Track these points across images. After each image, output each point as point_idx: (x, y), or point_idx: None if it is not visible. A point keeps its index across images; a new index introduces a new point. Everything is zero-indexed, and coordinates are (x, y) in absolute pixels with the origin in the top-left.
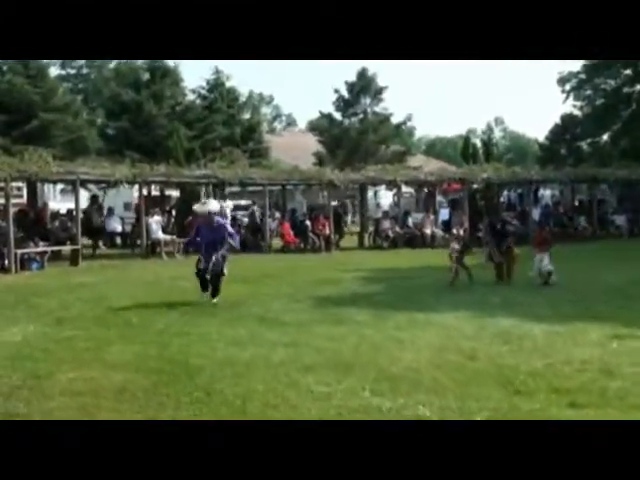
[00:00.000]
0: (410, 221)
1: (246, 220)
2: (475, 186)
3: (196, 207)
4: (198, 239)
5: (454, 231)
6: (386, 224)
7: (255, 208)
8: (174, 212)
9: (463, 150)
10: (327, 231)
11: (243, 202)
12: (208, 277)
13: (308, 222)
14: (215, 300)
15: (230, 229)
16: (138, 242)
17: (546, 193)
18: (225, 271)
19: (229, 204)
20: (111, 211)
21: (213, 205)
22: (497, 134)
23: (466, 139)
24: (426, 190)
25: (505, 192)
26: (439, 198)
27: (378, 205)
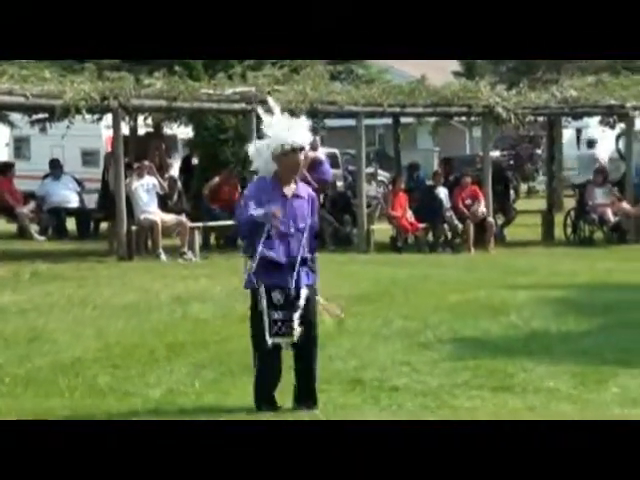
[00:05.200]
0: None
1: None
2: None
3: (276, 129)
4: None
5: None
6: (601, 196)
7: (340, 162)
8: (186, 168)
9: None
10: (481, 208)
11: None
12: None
13: (443, 190)
14: (318, 411)
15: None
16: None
17: None
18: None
19: None
20: (56, 167)
21: (307, 133)
22: None
23: None
24: None
25: None
26: None
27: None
